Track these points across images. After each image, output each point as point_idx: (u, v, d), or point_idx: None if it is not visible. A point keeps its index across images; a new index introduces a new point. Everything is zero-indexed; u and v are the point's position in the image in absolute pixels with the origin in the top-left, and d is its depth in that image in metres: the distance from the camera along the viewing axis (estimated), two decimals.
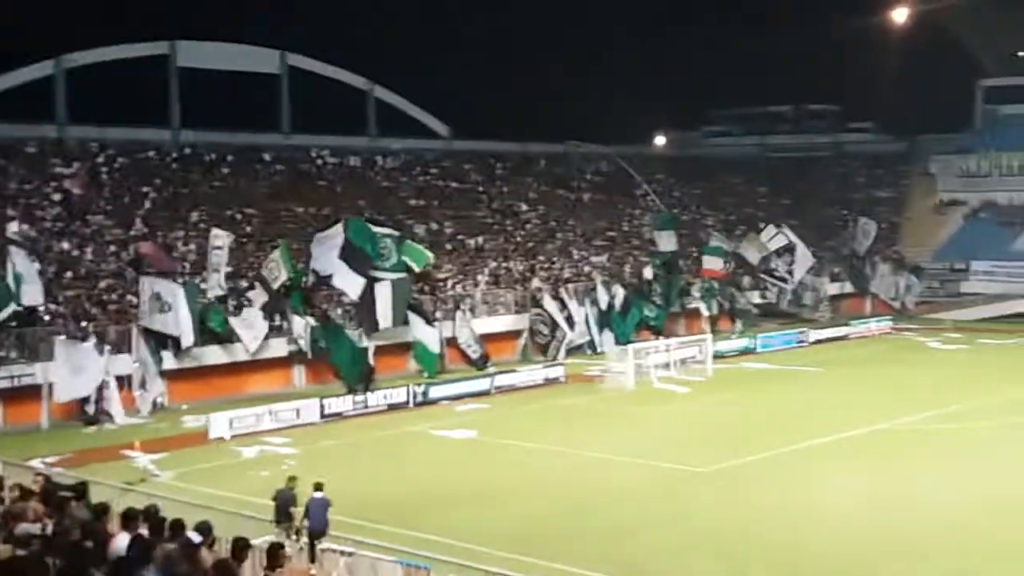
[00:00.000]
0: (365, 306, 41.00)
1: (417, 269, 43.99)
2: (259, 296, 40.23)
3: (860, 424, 32.09)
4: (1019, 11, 71.49)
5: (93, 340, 34.39)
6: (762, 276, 58.21)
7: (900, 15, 64.84)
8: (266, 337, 39.25)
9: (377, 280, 40.84)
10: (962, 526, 21.63)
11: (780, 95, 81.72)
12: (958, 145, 74.88)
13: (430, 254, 45.71)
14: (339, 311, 41.95)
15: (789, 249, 57.94)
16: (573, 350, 46.74)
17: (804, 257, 58.38)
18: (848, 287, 63.04)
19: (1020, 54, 76.45)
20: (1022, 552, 19.97)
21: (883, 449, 29.06)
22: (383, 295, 40.98)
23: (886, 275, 63.24)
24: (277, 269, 39.80)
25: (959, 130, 76.65)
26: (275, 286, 39.71)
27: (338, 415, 34.93)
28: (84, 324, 35.84)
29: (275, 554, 11.94)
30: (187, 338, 36.41)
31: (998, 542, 20.57)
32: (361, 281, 40.34)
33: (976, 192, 71.36)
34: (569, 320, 47.23)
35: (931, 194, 73.30)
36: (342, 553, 18.37)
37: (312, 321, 39.82)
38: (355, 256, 40.35)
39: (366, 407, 35.94)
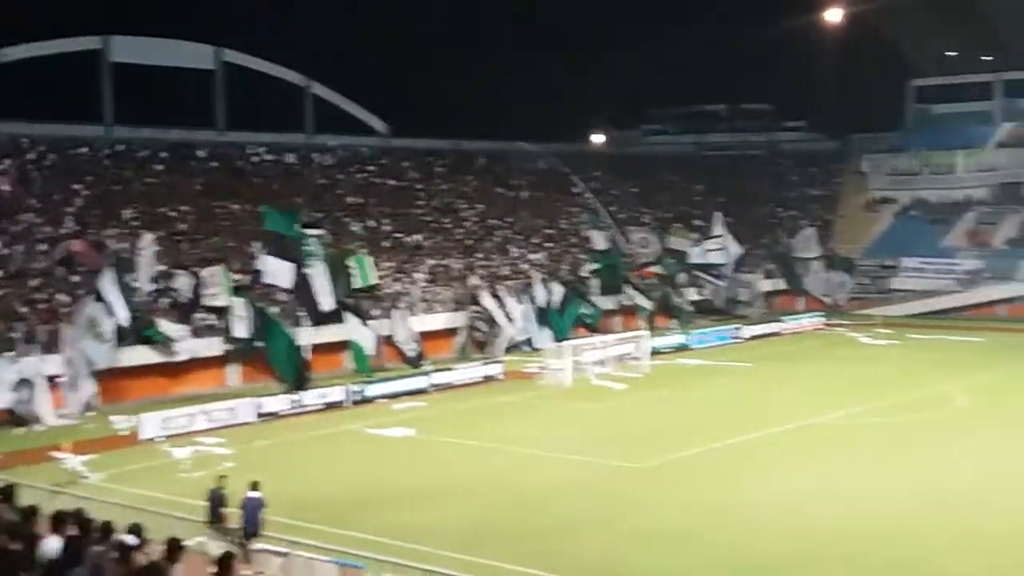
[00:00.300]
0: (302, 292, 40.68)
1: (358, 284, 43.67)
2: (186, 282, 39.89)
3: (793, 419, 32.61)
4: (949, 12, 72.95)
5: (12, 352, 33.77)
6: (697, 273, 58.91)
7: (833, 16, 66.02)
8: (200, 336, 39.09)
9: (309, 264, 40.63)
10: (895, 519, 21.93)
11: (717, 94, 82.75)
12: (890, 144, 76.29)
13: (376, 279, 45.33)
14: (276, 309, 41.61)
15: (722, 245, 58.88)
16: (511, 347, 46.86)
17: (734, 252, 59.39)
18: (782, 284, 63.97)
19: (949, 54, 78.01)
20: (952, 545, 20.33)
21: (815, 444, 29.52)
22: (319, 277, 40.66)
23: (819, 272, 64.29)
24: (218, 289, 39.54)
25: (891, 129, 78.09)
26: (213, 303, 39.43)
27: (274, 414, 34.66)
28: (18, 334, 35.13)
29: (227, 564, 11.78)
30: (123, 319, 36.13)
31: (928, 535, 20.92)
32: (290, 266, 40.06)
33: (907, 190, 72.73)
34: (507, 317, 47.35)
35: (863, 192, 74.56)
36: (276, 553, 18.28)
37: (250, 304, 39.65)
38: (278, 244, 40.13)
39: (302, 406, 35.71)
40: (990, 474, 25.66)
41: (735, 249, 59.86)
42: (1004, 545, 20.07)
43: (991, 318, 58.14)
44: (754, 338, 53.18)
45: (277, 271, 40.09)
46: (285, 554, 18.13)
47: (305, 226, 42.82)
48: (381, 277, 47.42)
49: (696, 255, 58.96)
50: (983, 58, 76.48)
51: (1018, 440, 29.24)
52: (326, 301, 40.75)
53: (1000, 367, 43.17)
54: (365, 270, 44.14)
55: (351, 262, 43.53)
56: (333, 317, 41.55)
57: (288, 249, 40.07)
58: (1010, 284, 60.89)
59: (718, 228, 60.09)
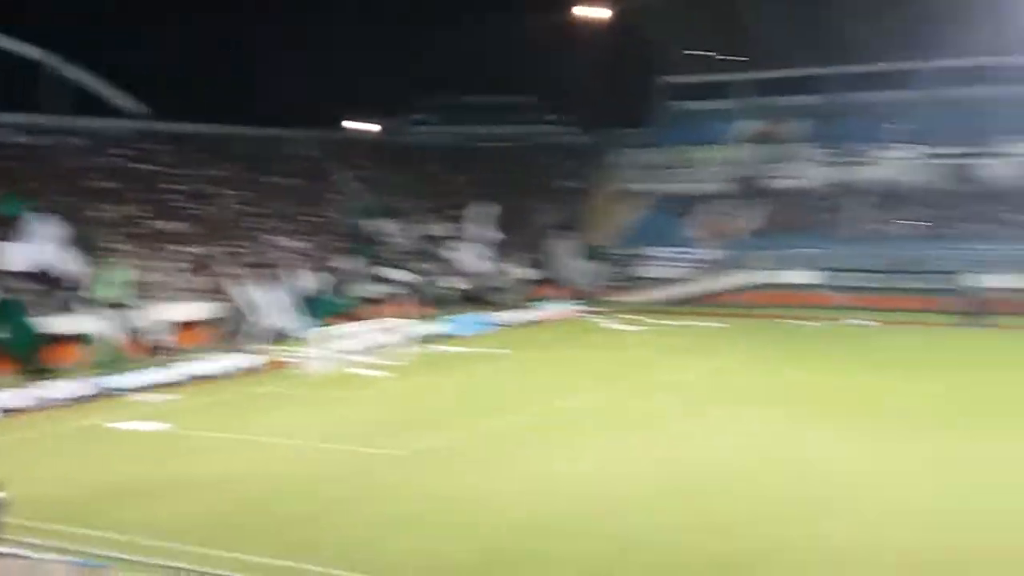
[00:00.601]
0: (43, 272, 38.91)
1: (102, 292, 41.93)
2: None
3: (547, 404, 33.77)
4: (703, 12, 76.73)
5: None
6: (458, 262, 60.01)
7: (596, 13, 68.40)
8: None
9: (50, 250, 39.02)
10: (644, 497, 23.01)
11: (483, 87, 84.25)
12: (642, 139, 79.89)
13: (127, 295, 43.61)
14: (15, 296, 39.56)
15: (483, 235, 60.31)
16: (269, 337, 46.32)
17: (494, 241, 60.97)
18: (539, 273, 65.92)
19: (700, 53, 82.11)
20: (694, 520, 21.54)
21: (568, 428, 30.55)
22: (61, 263, 38.99)
23: (574, 261, 66.68)
24: None
25: (644, 124, 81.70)
26: None
27: (12, 410, 32.91)
28: None
29: None
30: None
31: (672, 512, 21.98)
32: (27, 247, 38.31)
33: (657, 183, 76.36)
34: (265, 306, 46.81)
35: (616, 184, 77.73)
36: (15, 556, 17.65)
37: None
38: (11, 227, 38.44)
39: (45, 401, 34.08)
40: (735, 452, 27.15)
41: (495, 238, 61.35)
42: (746, 518, 21.43)
43: (731, 305, 61.90)
44: (511, 325, 54.70)
45: (11, 254, 38.28)
46: (24, 558, 17.52)
47: (43, 211, 41.03)
48: (133, 266, 45.90)
49: (458, 244, 60.05)
50: (732, 58, 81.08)
51: (760, 418, 31.30)
52: (70, 287, 39.19)
53: (739, 351, 46.10)
54: (120, 284, 42.38)
55: (107, 269, 41.90)
56: (78, 305, 39.93)
57: (18, 229, 38.37)
58: (748, 272, 65.06)
59: (480, 218, 61.38)
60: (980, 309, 56.15)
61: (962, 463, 25.62)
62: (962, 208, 65.97)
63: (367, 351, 43.08)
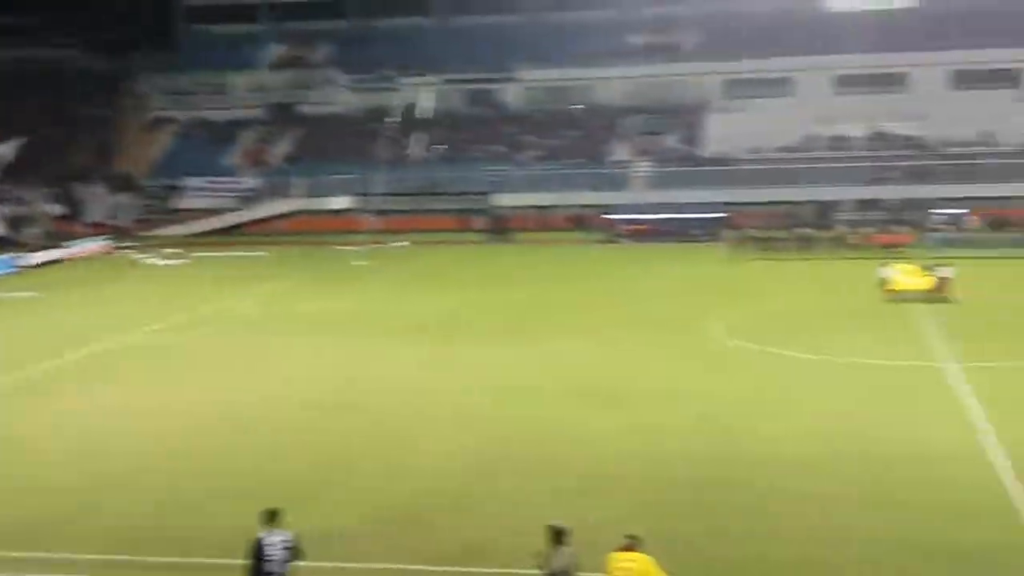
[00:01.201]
0: None
1: None
2: None
3: (88, 345, 31.98)
4: None
5: None
6: None
7: None
8: None
9: None
10: (194, 430, 22.66)
11: None
12: (167, 64, 76.68)
13: None
14: None
15: None
16: None
17: (9, 176, 56.57)
18: (66, 208, 61.92)
19: None
20: (251, 445, 21.58)
21: (110, 369, 29.25)
22: None
23: (102, 195, 63.36)
24: None
25: (168, 49, 78.40)
26: None
27: None
28: None
29: None
30: None
31: (230, 450, 21.91)
32: None
33: (186, 110, 73.99)
34: None
35: (143, 112, 74.42)
36: None
37: None
38: None
39: None
40: (288, 376, 27.49)
41: (11, 172, 56.71)
42: (312, 444, 21.78)
43: (272, 233, 61.89)
44: (38, 266, 51.18)
45: None
46: None
47: None
48: None
49: None
50: None
51: (311, 341, 31.98)
52: None
53: (284, 278, 46.41)
54: None
55: None
56: None
57: None
58: (287, 200, 65.26)
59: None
60: (502, 227, 60.53)
61: (493, 367, 27.84)
62: (482, 132, 70.11)
63: None
